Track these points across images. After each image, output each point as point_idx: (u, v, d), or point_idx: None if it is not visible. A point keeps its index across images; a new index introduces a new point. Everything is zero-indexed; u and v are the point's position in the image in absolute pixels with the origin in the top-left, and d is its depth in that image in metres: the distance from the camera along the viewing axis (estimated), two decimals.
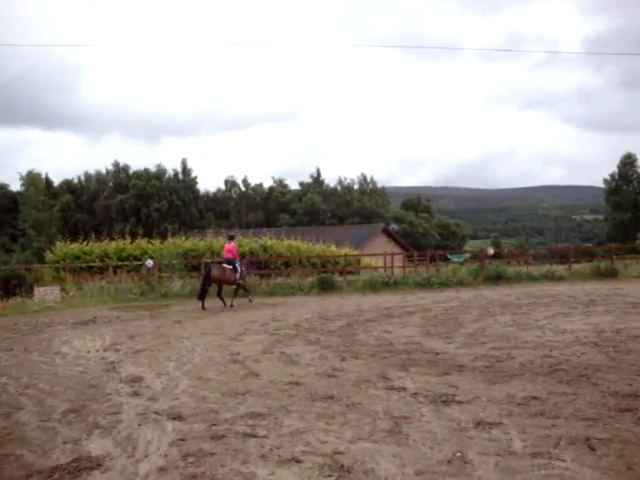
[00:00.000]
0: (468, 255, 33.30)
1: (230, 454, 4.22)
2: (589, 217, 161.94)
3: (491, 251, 25.56)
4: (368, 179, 79.43)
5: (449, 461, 3.97)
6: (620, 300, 13.91)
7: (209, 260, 22.59)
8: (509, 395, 5.59)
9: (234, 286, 17.63)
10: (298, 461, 4.05)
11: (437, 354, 7.87)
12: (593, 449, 4.12)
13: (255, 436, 4.60)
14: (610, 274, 22.57)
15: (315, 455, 4.15)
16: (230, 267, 17.38)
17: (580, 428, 4.57)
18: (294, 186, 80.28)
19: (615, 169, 67.29)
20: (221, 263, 17.79)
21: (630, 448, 4.14)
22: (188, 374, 7.12)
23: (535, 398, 5.44)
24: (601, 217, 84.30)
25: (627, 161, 66.77)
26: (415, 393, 5.77)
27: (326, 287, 20.81)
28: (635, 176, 66.18)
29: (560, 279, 22.09)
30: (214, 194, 77.86)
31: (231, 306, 16.69)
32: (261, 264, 23.90)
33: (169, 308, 16.64)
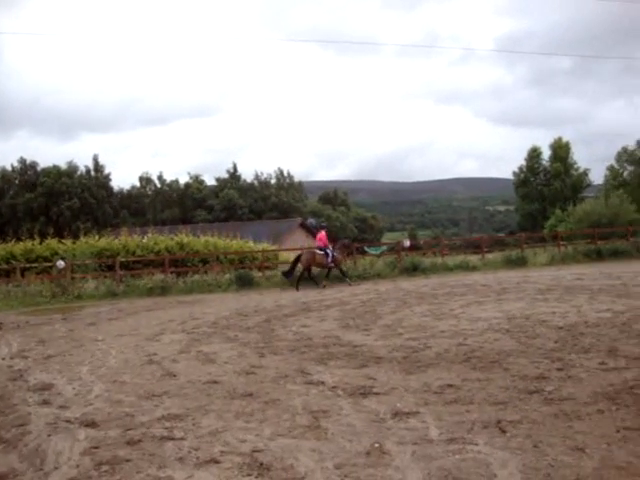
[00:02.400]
0: (385, 247, 33.76)
1: (146, 459, 4.11)
2: (501, 208, 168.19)
3: (407, 243, 26.07)
4: (285, 174, 79.57)
5: (367, 453, 4.01)
6: (530, 287, 14.48)
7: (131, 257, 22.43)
8: (425, 384, 5.71)
9: (326, 269, 20.11)
10: (217, 462, 3.98)
11: (355, 347, 7.95)
12: (504, 431, 4.27)
13: (172, 438, 4.49)
14: (520, 262, 23.50)
15: (234, 454, 4.10)
16: (321, 252, 19.82)
17: (492, 412, 4.72)
18: (211, 182, 79.44)
19: (523, 162, 70.21)
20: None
21: (537, 427, 4.32)
22: (102, 378, 6.88)
23: (450, 386, 5.58)
24: (512, 208, 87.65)
25: (533, 154, 69.70)
26: (334, 387, 5.81)
27: (244, 283, 20.69)
28: (541, 168, 69.17)
29: (474, 268, 22.80)
30: (129, 191, 75.94)
31: (323, 286, 19.23)
32: (351, 247, 23.90)
33: (83, 310, 16.09)
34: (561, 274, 18.12)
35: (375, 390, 5.59)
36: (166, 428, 4.75)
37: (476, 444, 4.06)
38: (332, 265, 19.99)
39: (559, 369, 5.99)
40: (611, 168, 64.41)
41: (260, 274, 22.74)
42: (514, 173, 71.19)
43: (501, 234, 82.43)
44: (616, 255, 24.06)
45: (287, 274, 19.97)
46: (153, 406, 5.46)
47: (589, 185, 69.45)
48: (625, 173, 63.57)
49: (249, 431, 4.58)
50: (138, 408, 5.41)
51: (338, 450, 4.09)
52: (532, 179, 69.07)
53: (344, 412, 4.96)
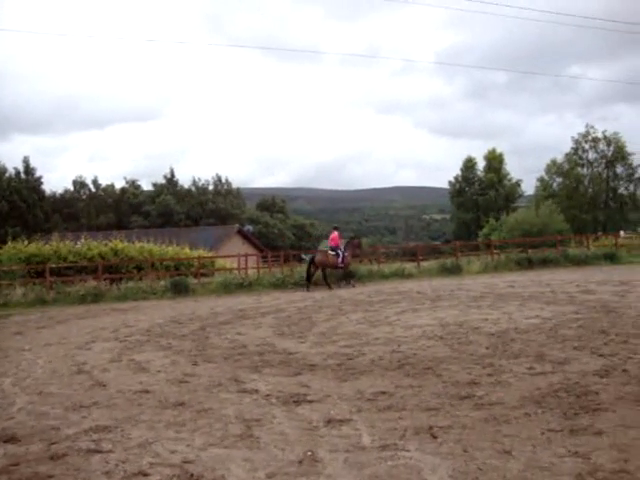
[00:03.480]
0: None
1: (70, 474, 3.95)
2: (437, 217, 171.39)
3: (318, 252, 26.23)
4: (223, 180, 78.91)
5: (300, 461, 3.99)
6: (464, 295, 14.77)
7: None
8: (359, 391, 5.73)
9: (341, 271, 20.82)
10: (145, 474, 3.88)
11: (290, 354, 7.93)
12: (435, 437, 4.33)
13: (100, 451, 4.35)
14: (455, 270, 23.96)
15: (163, 466, 4.01)
16: (333, 253, 20.49)
17: (424, 418, 4.78)
18: (148, 187, 78.01)
19: (459, 172, 71.89)
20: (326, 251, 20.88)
21: (467, 432, 4.39)
22: (27, 390, 6.63)
23: (384, 393, 5.62)
24: (448, 217, 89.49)
25: (469, 165, 71.50)
26: (267, 395, 5.76)
27: (180, 290, 20.39)
28: (476, 179, 70.95)
29: (410, 276, 23.12)
30: (62, 195, 73.80)
31: (353, 286, 20.10)
32: (361, 246, 24.08)
33: (9, 318, 15.50)
34: (494, 282, 18.58)
35: (309, 398, 5.57)
36: (93, 440, 4.61)
37: (408, 450, 4.09)
38: (342, 265, 20.76)
39: (490, 375, 6.11)
40: (541, 179, 66.59)
41: (196, 281, 22.45)
42: (450, 183, 72.88)
43: (437, 242, 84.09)
44: (545, 263, 24.86)
45: (307, 278, 20.50)
46: (80, 418, 5.28)
47: (521, 195, 71.70)
48: (554, 184, 65.81)
49: (180, 441, 4.49)
50: (64, 420, 5.23)
51: (270, 459, 4.05)
52: (467, 189, 70.83)
53: (277, 420, 4.92)
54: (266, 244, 58.64)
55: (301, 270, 23.80)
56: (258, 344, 8.96)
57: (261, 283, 21.36)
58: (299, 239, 78.08)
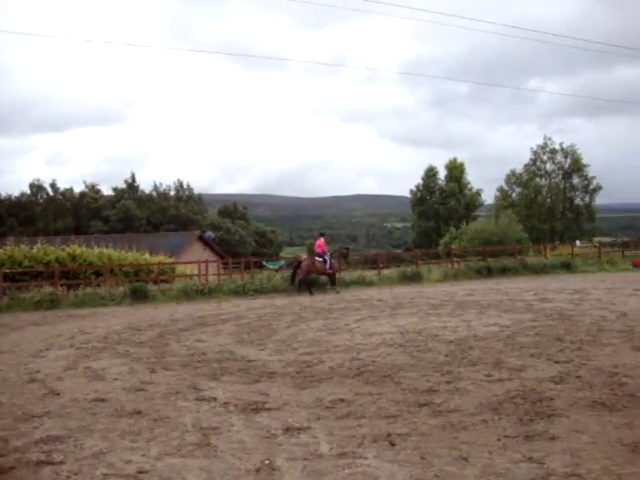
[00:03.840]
0: (283, 262, 33.88)
1: None
2: (399, 225, 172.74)
3: (305, 258, 26.18)
4: (185, 186, 78.22)
5: (257, 470, 3.95)
6: (424, 302, 14.88)
7: None
8: (318, 399, 5.71)
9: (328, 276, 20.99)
10: None
11: (249, 362, 7.87)
12: (393, 444, 4.34)
13: (50, 463, 4.23)
14: (415, 278, 24.10)
15: (117, 477, 3.93)
16: (320, 259, 20.53)
17: (382, 425, 4.79)
18: (108, 192, 76.75)
19: (420, 181, 72.63)
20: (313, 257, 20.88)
21: (425, 439, 4.42)
22: None
23: (342, 400, 5.62)
24: (409, 225, 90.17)
25: (430, 173, 72.30)
26: (226, 403, 5.71)
27: (139, 297, 20.06)
28: (437, 187, 71.77)
29: (371, 284, 23.18)
30: (17, 198, 72.16)
31: (337, 292, 20.16)
32: (349, 255, 25.07)
33: None
34: (453, 290, 18.76)
35: (267, 405, 5.54)
36: (44, 452, 4.47)
37: (366, 458, 4.09)
38: (330, 271, 20.94)
39: (448, 382, 6.16)
40: (501, 189, 67.74)
41: (156, 287, 22.14)
42: (411, 191, 73.54)
43: (398, 250, 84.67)
44: (504, 272, 25.21)
45: (291, 282, 20.92)
46: (31, 428, 5.13)
47: (481, 205, 72.76)
48: (514, 194, 67.01)
49: (135, 451, 4.41)
50: (14, 431, 5.06)
51: (227, 468, 4.01)
52: (428, 197, 71.57)
53: (235, 428, 4.87)
54: (227, 251, 58.22)
55: (262, 277, 23.70)
56: (217, 351, 8.88)
57: (221, 290, 21.18)
58: (261, 246, 77.74)
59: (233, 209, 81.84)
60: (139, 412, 5.46)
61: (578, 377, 6.11)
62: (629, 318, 10.31)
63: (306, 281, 20.69)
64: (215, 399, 5.87)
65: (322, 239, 21.72)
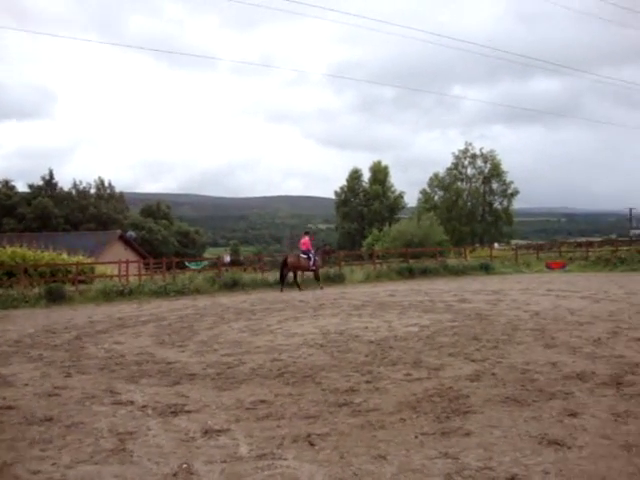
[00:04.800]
0: (206, 262, 33.45)
1: None
2: (323, 226, 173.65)
3: (228, 258, 26.10)
4: (106, 184, 75.97)
5: (174, 474, 3.87)
6: (346, 303, 15.02)
7: None
8: (238, 400, 5.66)
9: (313, 273, 21.94)
10: None
11: (169, 364, 7.72)
12: (313, 444, 4.34)
13: None
14: (338, 279, 24.30)
15: None
16: (305, 256, 21.45)
17: (302, 426, 4.79)
18: (23, 189, 73.54)
19: (345, 183, 73.35)
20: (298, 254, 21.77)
21: (344, 439, 4.45)
22: None
23: (263, 401, 5.59)
24: (333, 226, 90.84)
25: (354, 176, 73.15)
26: (143, 406, 5.57)
27: (55, 298, 19.35)
28: (361, 189, 72.66)
29: (293, 285, 23.20)
30: None
31: (321, 288, 21.00)
32: (332, 253, 26.82)
33: None
34: (375, 291, 19.03)
35: (187, 408, 5.44)
36: None
37: (285, 459, 4.08)
38: (314, 268, 21.80)
39: (368, 382, 6.23)
40: (424, 192, 69.28)
41: (74, 288, 21.43)
42: (336, 193, 74.17)
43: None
44: (426, 273, 25.78)
45: (280, 279, 21.40)
46: None
47: (404, 207, 74.19)
48: (436, 197, 68.65)
49: (45, 460, 4.21)
50: None
51: (143, 473, 3.91)
52: (352, 199, 72.38)
53: (152, 432, 4.76)
54: (149, 251, 57.03)
55: (184, 278, 23.36)
56: (137, 353, 8.67)
57: (142, 291, 20.70)
58: (184, 246, 76.44)
59: (156, 208, 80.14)
60: (51, 419, 5.24)
61: (493, 375, 6.31)
62: (541, 317, 10.75)
63: (289, 276, 21.66)
64: (133, 403, 5.72)
65: (307, 237, 22.63)
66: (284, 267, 21.70)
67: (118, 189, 77.75)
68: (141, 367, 7.58)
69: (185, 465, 4.01)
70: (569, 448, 4.05)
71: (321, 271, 23.19)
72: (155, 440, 4.57)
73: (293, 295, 18.64)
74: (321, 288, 21.19)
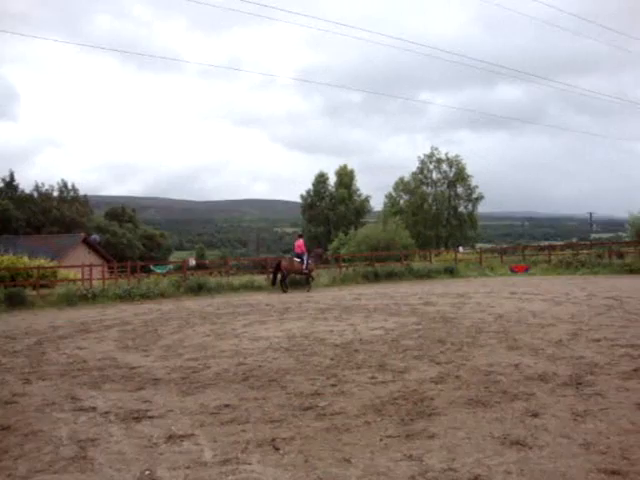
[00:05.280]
0: (171, 266, 33.15)
1: None
2: (289, 230, 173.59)
3: (193, 262, 25.89)
4: (69, 186, 74.67)
5: None
6: (311, 307, 15.02)
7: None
8: (202, 405, 5.61)
9: (304, 275, 22.23)
10: None
11: (132, 369, 7.62)
12: (277, 448, 4.33)
13: None
14: (304, 283, 24.25)
15: None
16: (298, 260, 21.92)
17: (267, 430, 4.76)
18: None
19: (311, 186, 73.39)
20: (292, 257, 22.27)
21: (309, 442, 4.44)
22: None
23: (227, 406, 5.55)
24: (299, 230, 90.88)
25: (320, 179, 73.23)
26: (106, 412, 5.48)
27: (15, 303, 18.94)
28: (327, 193, 72.77)
29: (259, 288, 23.12)
30: None
31: (307, 291, 21.39)
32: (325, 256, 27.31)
33: None
34: (341, 294, 19.06)
35: (150, 413, 5.37)
36: None
37: (249, 463, 4.05)
38: (307, 271, 22.21)
39: (333, 385, 6.23)
40: (389, 196, 69.66)
41: (35, 293, 21.03)
42: (302, 196, 74.16)
43: (288, 255, 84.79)
44: (391, 277, 25.90)
45: (273, 283, 22.14)
46: None
47: (370, 211, 74.50)
48: (401, 201, 69.08)
49: (1, 472, 4.11)
50: None
51: None
52: (318, 203, 72.44)
53: (114, 439, 4.68)
54: (114, 254, 56.29)
55: (149, 282, 23.13)
56: (99, 359, 8.53)
57: (106, 295, 20.42)
58: (149, 250, 75.61)
59: (121, 211, 79.17)
60: (8, 427, 5.11)
61: (457, 377, 6.36)
62: (505, 320, 10.87)
63: (283, 279, 21.86)
64: (94, 409, 5.63)
65: (301, 240, 23.18)
66: (277, 270, 22.10)
67: (82, 192, 76.44)
68: (104, 372, 7.46)
69: (148, 471, 3.96)
70: (530, 448, 4.11)
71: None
72: (117, 447, 4.50)
73: (259, 298, 18.58)
74: (307, 291, 21.51)
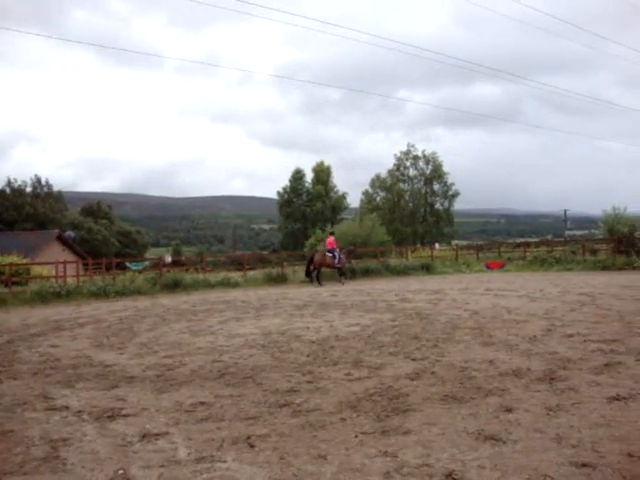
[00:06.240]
0: (147, 263, 32.88)
1: None
2: (266, 226, 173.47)
3: (169, 259, 25.76)
4: (43, 182, 73.70)
5: None
6: (288, 304, 15.01)
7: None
8: (178, 403, 5.57)
9: (337, 270, 23.52)
10: None
11: (107, 367, 7.54)
12: (253, 446, 4.30)
13: None
14: (280, 280, 24.31)
15: None
16: (330, 255, 23.16)
17: (242, 428, 4.74)
18: None
19: (288, 183, 73.31)
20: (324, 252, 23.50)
21: (284, 440, 4.42)
22: None
23: (203, 403, 5.51)
24: (276, 227, 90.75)
25: (297, 176, 73.21)
26: (79, 411, 5.41)
27: None
28: (304, 190, 72.75)
29: (236, 285, 23.08)
30: None
31: (342, 284, 22.57)
32: (357, 252, 28.79)
33: None
34: (318, 291, 19.10)
35: (124, 412, 5.31)
36: None
37: (225, 461, 4.03)
38: (339, 266, 23.42)
39: (309, 382, 6.22)
40: (366, 193, 69.88)
41: (7, 290, 20.74)
42: (279, 193, 74.04)
43: (265, 252, 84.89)
44: (368, 273, 26.00)
45: (306, 274, 23.63)
46: None
47: (347, 208, 74.67)
48: (378, 198, 69.34)
49: None
50: None
51: None
52: (295, 200, 72.40)
53: (87, 438, 4.63)
54: (89, 251, 55.67)
55: (124, 279, 22.94)
56: (73, 357, 8.43)
57: (81, 292, 20.20)
58: (125, 246, 74.99)
59: (96, 208, 78.36)
60: None
61: (432, 373, 6.39)
62: (480, 316, 10.96)
63: (317, 272, 23.27)
64: (67, 408, 5.55)
65: (332, 237, 24.27)
66: (310, 264, 23.50)
67: (57, 188, 75.54)
68: (77, 371, 7.37)
69: (121, 471, 3.91)
70: (504, 443, 4.14)
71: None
72: (90, 446, 4.45)
73: (236, 295, 18.51)
74: (342, 284, 22.58)
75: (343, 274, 23.83)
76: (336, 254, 23.35)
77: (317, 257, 23.46)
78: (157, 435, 4.63)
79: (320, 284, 22.62)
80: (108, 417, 5.18)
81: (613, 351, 7.19)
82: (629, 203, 45.11)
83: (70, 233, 55.94)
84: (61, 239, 49.24)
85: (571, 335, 8.45)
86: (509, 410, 4.89)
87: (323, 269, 23.74)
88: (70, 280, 23.43)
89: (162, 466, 3.98)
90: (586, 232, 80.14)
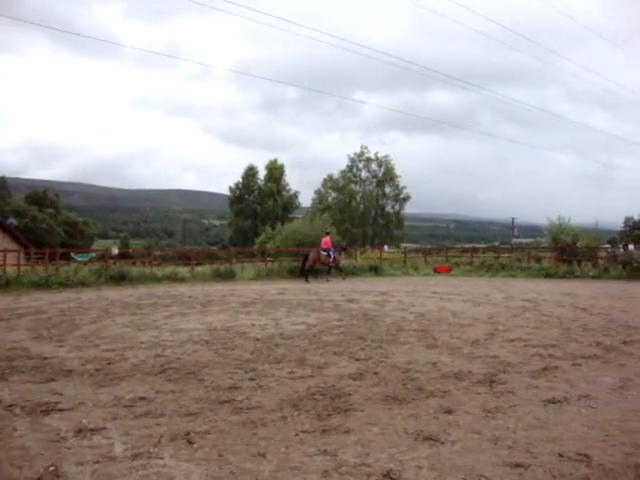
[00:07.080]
0: (93, 254, 32.21)
1: None
2: (217, 222, 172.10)
3: (115, 251, 25.34)
4: None
5: (39, 478, 3.63)
6: (234, 300, 14.90)
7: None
8: (116, 397, 5.45)
9: (328, 267, 25.00)
10: None
11: (45, 359, 7.33)
12: (191, 442, 4.24)
13: None
14: (229, 276, 24.14)
15: None
16: (325, 253, 24.54)
17: (182, 424, 4.66)
18: None
19: (240, 179, 72.92)
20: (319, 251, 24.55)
21: (224, 437, 4.37)
22: None
23: (142, 399, 5.41)
24: (227, 223, 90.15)
25: (250, 173, 72.91)
26: (11, 405, 5.22)
27: None
28: (256, 187, 72.46)
29: (183, 280, 22.83)
30: None
31: (343, 279, 24.58)
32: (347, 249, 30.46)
33: None
34: (265, 288, 19.02)
35: (60, 406, 5.17)
36: None
37: (162, 458, 3.95)
38: (333, 264, 24.99)
39: (251, 379, 6.18)
40: (318, 192, 70.04)
41: None
42: (230, 189, 73.58)
43: (214, 247, 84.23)
44: (316, 272, 26.04)
45: (301, 272, 24.48)
46: None
47: (298, 207, 74.68)
48: (330, 199, 69.58)
49: None
50: None
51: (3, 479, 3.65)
52: (247, 196, 72.06)
53: (18, 433, 4.47)
54: (33, 240, 54.17)
55: (68, 270, 22.41)
56: (9, 348, 8.16)
57: (21, 282, 19.64)
58: (71, 237, 73.26)
59: (43, 196, 76.33)
60: None
61: (375, 373, 6.42)
62: (425, 318, 11.09)
63: (311, 269, 24.41)
64: None
65: (328, 237, 25.38)
66: (305, 261, 24.49)
67: (2, 173, 73.41)
68: (12, 363, 7.14)
69: (52, 467, 3.79)
70: (442, 443, 4.19)
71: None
72: (21, 441, 4.30)
73: (182, 290, 18.29)
74: (343, 279, 24.54)
75: (340, 270, 25.41)
76: (331, 253, 24.77)
77: (312, 255, 24.55)
78: (93, 430, 4.51)
79: (307, 280, 23.51)
80: (42, 411, 5.02)
81: (551, 356, 7.38)
82: (573, 213, 46.44)
83: (12, 220, 54.38)
84: (2, 226, 47.74)
85: (512, 340, 8.62)
86: (449, 412, 4.95)
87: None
88: (10, 269, 22.74)
89: (96, 462, 3.88)
90: (532, 240, 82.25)
